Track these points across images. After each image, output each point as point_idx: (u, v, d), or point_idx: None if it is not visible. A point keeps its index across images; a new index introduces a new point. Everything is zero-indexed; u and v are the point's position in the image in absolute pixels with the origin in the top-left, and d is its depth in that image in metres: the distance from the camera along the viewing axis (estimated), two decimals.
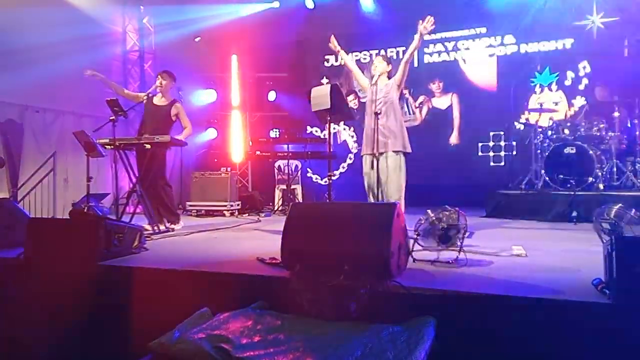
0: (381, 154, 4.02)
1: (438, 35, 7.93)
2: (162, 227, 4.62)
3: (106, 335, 2.68)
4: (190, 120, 4.99)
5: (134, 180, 4.55)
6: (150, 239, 3.91)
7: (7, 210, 3.80)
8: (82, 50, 6.80)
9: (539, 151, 6.01)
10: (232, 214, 6.63)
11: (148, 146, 4.46)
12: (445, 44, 7.91)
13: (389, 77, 4.28)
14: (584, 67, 6.97)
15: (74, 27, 6.75)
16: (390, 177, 4.04)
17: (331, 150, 4.15)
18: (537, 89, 7.26)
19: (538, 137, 6.08)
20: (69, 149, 6.47)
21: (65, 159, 6.59)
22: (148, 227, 4.35)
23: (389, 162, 4.06)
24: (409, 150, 4.17)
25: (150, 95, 4.96)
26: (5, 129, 6.25)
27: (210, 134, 8.77)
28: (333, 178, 3.99)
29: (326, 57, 8.74)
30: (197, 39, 8.34)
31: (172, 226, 4.78)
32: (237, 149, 8.70)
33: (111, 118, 4.30)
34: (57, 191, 6.38)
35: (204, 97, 8.62)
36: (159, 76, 4.92)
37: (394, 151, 4.07)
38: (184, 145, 4.90)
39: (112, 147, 4.41)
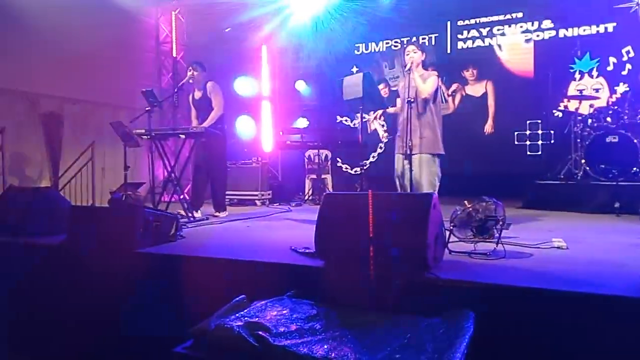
0: (413, 154, 3.90)
1: (472, 21, 7.71)
2: (197, 215, 4.72)
3: (145, 321, 2.76)
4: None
5: (169, 169, 4.65)
6: (186, 227, 3.99)
7: (49, 198, 3.94)
8: (118, 42, 6.97)
9: (578, 140, 5.78)
10: (263, 204, 6.70)
11: (182, 136, 4.55)
12: (480, 29, 7.67)
13: (424, 67, 4.16)
14: (628, 52, 6.65)
15: (110, 20, 6.90)
16: (421, 175, 3.96)
17: (362, 139, 4.11)
18: (577, 76, 6.97)
19: (578, 125, 5.85)
20: (107, 139, 6.65)
21: (103, 149, 6.79)
22: (183, 212, 4.45)
23: (422, 160, 3.98)
24: (441, 151, 4.07)
25: (187, 89, 5.08)
26: (47, 121, 6.48)
27: (241, 124, 8.85)
28: (364, 167, 3.95)
29: (357, 45, 8.65)
30: (227, 30, 8.39)
31: (218, 214, 4.90)
32: (267, 138, 8.75)
33: (147, 109, 4.39)
34: (96, 180, 6.58)
35: (234, 87, 8.68)
36: (190, 68, 4.97)
37: (426, 153, 3.99)
38: (219, 134, 4.92)
39: (147, 137, 4.51)
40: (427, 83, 4.00)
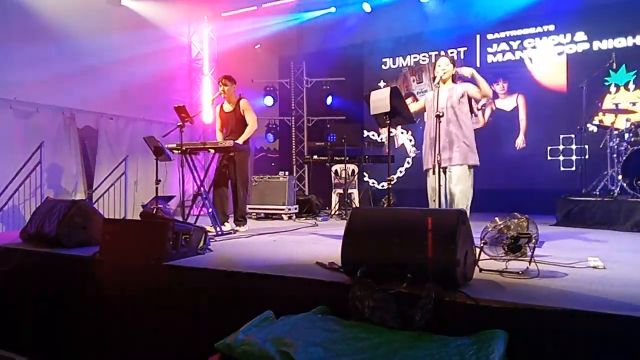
0: (444, 168, 3.80)
1: (502, 34, 7.63)
2: (225, 228, 4.76)
3: (172, 334, 2.78)
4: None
5: (199, 183, 4.73)
6: (214, 240, 4.03)
7: (84, 210, 4.05)
8: (151, 60, 7.21)
9: (615, 155, 5.60)
10: (289, 218, 6.72)
11: (212, 151, 4.64)
12: (510, 42, 7.59)
13: (454, 81, 4.11)
14: None
15: (144, 39, 7.16)
16: (456, 187, 3.87)
17: (389, 154, 4.08)
18: (612, 89, 6.79)
19: (614, 140, 5.67)
20: (139, 154, 6.85)
21: (135, 163, 6.98)
22: (211, 229, 4.50)
23: (454, 173, 3.89)
24: (476, 163, 3.93)
25: (219, 103, 5.18)
26: (83, 135, 6.73)
27: (269, 138, 8.96)
28: (391, 182, 3.90)
29: (383, 59, 8.67)
30: (257, 47, 8.57)
31: (238, 228, 4.92)
32: (295, 153, 8.81)
33: (179, 124, 4.49)
34: (128, 193, 6.76)
35: (262, 102, 8.83)
36: (220, 83, 5.08)
37: (460, 164, 3.88)
38: (246, 149, 5.01)
39: (179, 151, 4.61)
40: (481, 87, 3.93)
